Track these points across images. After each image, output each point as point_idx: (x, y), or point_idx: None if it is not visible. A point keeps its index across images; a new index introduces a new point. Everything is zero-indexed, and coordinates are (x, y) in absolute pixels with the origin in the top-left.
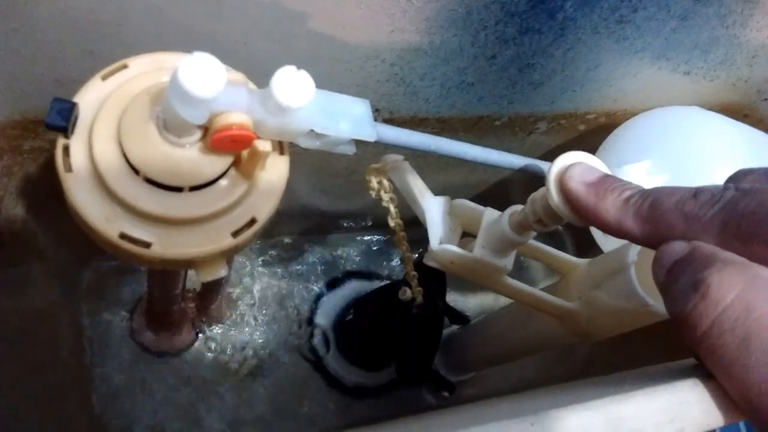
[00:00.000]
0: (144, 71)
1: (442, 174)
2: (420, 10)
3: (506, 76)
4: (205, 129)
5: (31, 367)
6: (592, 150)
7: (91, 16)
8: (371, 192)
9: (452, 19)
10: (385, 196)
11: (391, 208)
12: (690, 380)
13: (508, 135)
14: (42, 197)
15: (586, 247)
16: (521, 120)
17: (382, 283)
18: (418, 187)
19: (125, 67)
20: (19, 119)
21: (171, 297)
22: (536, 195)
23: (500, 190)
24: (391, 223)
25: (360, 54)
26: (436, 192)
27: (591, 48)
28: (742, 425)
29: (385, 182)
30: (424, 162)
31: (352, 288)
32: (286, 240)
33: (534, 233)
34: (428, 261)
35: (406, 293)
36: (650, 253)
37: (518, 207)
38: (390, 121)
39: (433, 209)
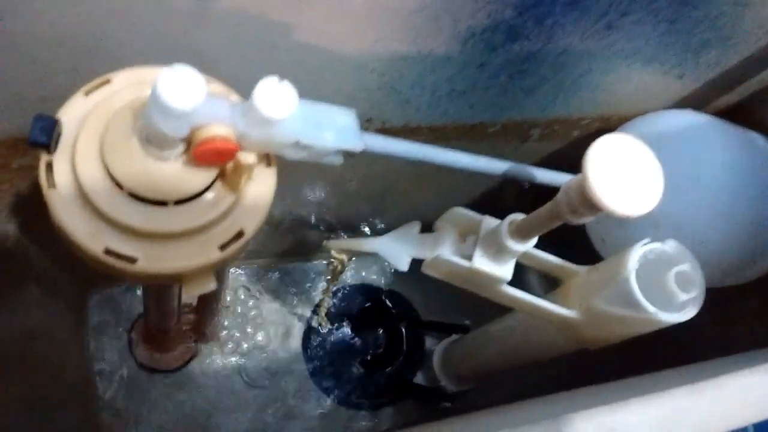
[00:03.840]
0: (126, 86)
1: (437, 182)
2: (406, 19)
3: (497, 83)
4: (189, 142)
5: (33, 385)
6: None
7: (73, 32)
8: (332, 261)
9: (439, 27)
10: (338, 266)
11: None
12: (684, 387)
13: (501, 142)
14: (34, 215)
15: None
16: (514, 127)
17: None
18: (353, 244)
19: (108, 82)
20: (5, 137)
21: (167, 313)
22: (572, 183)
23: (496, 197)
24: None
25: (347, 64)
26: (432, 200)
27: (581, 53)
28: (750, 428)
29: (345, 260)
30: (418, 171)
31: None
32: (279, 257)
33: (534, 242)
34: (426, 270)
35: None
36: (653, 261)
37: (518, 215)
38: (382, 130)
39: (382, 245)
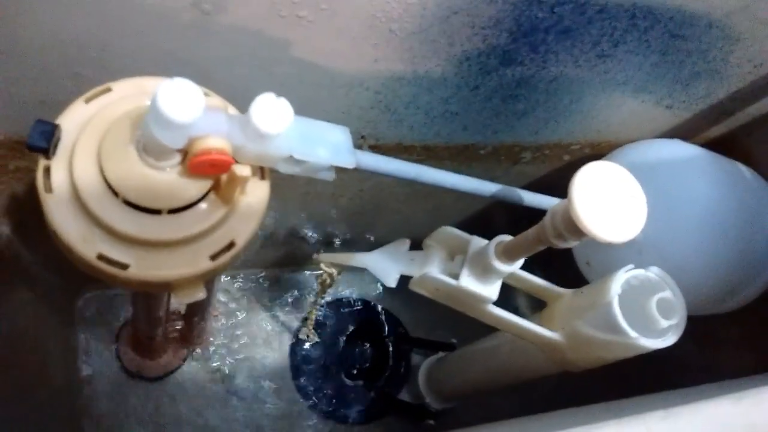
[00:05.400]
0: (127, 95)
1: (428, 201)
2: (403, 41)
3: (490, 106)
4: (185, 153)
5: (19, 388)
6: None
7: (76, 40)
8: (322, 274)
9: (435, 50)
10: (327, 279)
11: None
12: (659, 412)
13: (493, 164)
14: (28, 218)
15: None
16: (506, 149)
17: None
18: (342, 258)
19: (109, 90)
20: (3, 139)
21: (154, 320)
22: (557, 207)
23: (486, 217)
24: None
25: (344, 81)
26: (422, 218)
27: (573, 80)
28: None
29: (335, 273)
30: (410, 189)
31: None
32: (270, 267)
33: (520, 263)
34: (414, 287)
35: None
36: (636, 287)
37: (506, 237)
38: (375, 148)
39: (371, 260)
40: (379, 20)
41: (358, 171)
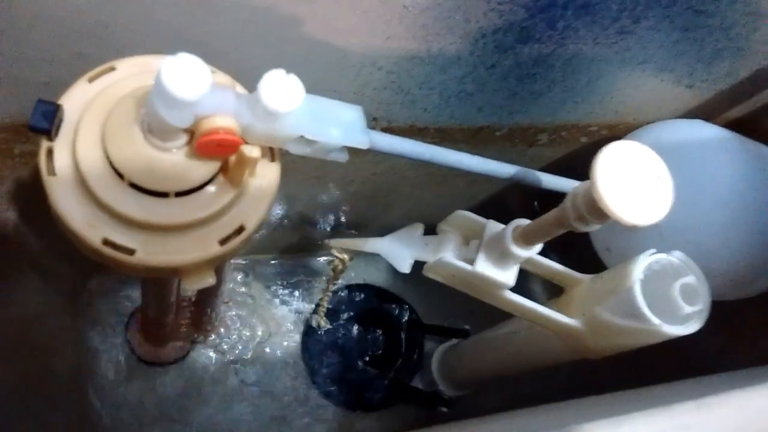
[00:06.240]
0: (131, 74)
1: (441, 185)
2: (417, 17)
3: (506, 86)
4: (191, 133)
5: (27, 374)
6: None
7: (80, 18)
8: (333, 260)
9: (450, 26)
10: (339, 265)
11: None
12: (691, 402)
13: (508, 146)
14: (34, 204)
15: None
16: (522, 131)
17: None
18: (355, 244)
19: (112, 69)
20: (8, 123)
21: (165, 307)
22: (579, 189)
23: (500, 202)
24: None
25: (355, 60)
26: (435, 202)
27: (592, 58)
28: None
29: (347, 259)
30: (424, 173)
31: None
32: (281, 252)
33: (539, 248)
34: (428, 273)
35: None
36: (658, 272)
37: (523, 221)
38: (388, 130)
39: (384, 246)
40: None
41: (371, 153)
